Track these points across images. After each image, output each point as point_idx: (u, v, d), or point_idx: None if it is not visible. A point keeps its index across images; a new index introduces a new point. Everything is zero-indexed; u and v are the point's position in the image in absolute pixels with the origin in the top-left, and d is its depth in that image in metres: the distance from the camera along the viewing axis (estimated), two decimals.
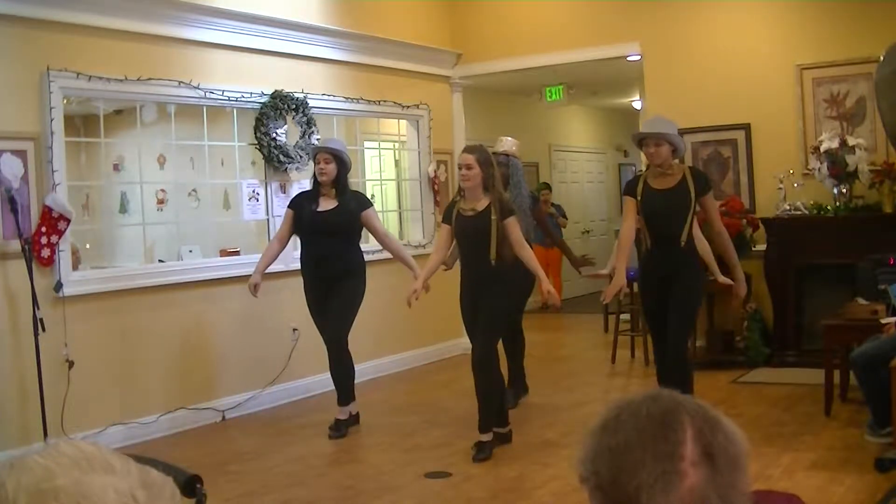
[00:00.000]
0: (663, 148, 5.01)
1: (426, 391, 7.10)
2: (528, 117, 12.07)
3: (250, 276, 5.89)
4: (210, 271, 6.49)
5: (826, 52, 7.30)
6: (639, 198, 5.13)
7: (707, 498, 1.08)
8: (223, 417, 6.39)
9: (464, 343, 7.25)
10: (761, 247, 7.34)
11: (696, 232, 5.28)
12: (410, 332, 7.88)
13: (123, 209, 9.15)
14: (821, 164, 6.95)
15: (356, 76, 7.77)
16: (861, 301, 5.67)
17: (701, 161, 7.76)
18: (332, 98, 7.47)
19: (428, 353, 8.08)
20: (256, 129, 6.79)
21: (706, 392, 5.92)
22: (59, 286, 5.46)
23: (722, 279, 5.54)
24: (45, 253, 5.42)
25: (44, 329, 5.23)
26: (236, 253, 7.05)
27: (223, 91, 6.52)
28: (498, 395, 5.34)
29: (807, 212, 7.17)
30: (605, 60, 8.52)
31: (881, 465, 4.46)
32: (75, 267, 6.04)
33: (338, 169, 5.78)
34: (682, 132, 5.82)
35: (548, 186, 11.88)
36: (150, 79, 6.03)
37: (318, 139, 7.01)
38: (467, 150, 5.34)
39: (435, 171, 8.54)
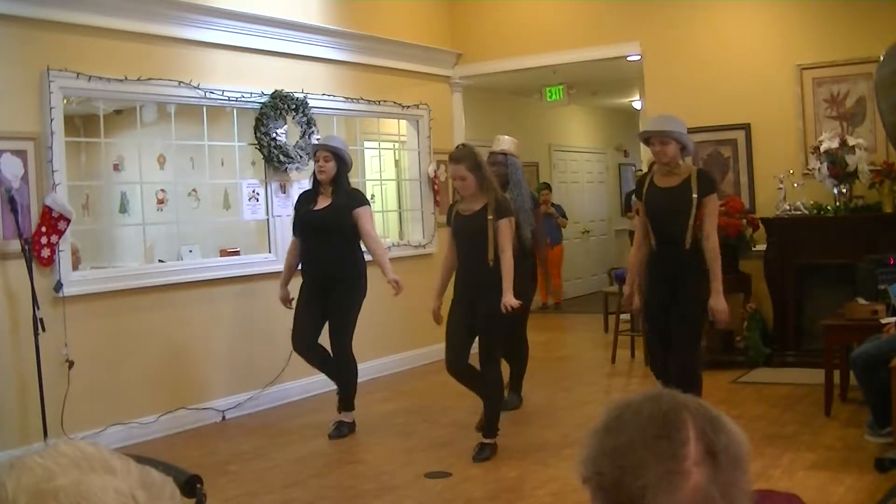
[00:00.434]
0: (669, 147, 4.90)
1: (426, 391, 7.09)
2: (527, 117, 12.07)
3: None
4: (210, 271, 6.48)
5: (826, 52, 7.30)
6: (644, 195, 5.09)
7: (710, 497, 1.08)
8: (223, 417, 6.39)
9: None
10: (761, 247, 7.34)
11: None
12: (410, 332, 7.87)
13: (123, 209, 9.15)
14: (821, 164, 6.95)
15: (356, 76, 7.77)
16: (861, 301, 5.67)
17: (701, 161, 7.74)
18: (332, 98, 7.47)
19: (428, 353, 8.06)
20: (256, 129, 6.78)
21: (706, 392, 5.87)
22: (59, 286, 5.46)
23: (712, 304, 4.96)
24: (45, 253, 5.41)
25: (44, 329, 5.23)
26: (236, 253, 7.05)
27: (223, 91, 6.51)
28: (501, 396, 5.35)
29: (807, 212, 7.17)
30: (605, 60, 8.52)
31: (881, 465, 4.46)
32: (75, 267, 6.03)
33: (337, 167, 5.72)
34: None
35: (548, 186, 11.89)
36: (150, 79, 6.02)
37: (317, 139, 7.00)
38: (454, 159, 5.15)
39: (435, 171, 8.54)
